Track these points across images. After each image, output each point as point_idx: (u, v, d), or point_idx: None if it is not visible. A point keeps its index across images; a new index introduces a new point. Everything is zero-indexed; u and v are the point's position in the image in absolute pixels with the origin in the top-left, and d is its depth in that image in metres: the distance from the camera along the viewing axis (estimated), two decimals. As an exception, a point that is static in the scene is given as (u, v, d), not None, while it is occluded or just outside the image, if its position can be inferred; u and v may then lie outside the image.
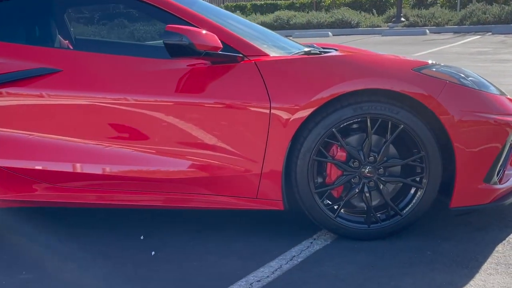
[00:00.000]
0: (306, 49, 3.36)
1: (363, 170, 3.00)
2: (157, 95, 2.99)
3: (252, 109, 2.96)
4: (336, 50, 3.80)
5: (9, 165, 3.06)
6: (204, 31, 2.92)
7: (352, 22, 21.04)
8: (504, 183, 3.17)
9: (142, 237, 3.16)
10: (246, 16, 23.94)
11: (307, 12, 23.31)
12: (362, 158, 2.99)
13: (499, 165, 3.05)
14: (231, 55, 3.00)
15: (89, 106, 3.01)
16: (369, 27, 20.86)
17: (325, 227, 3.07)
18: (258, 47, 3.12)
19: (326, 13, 22.43)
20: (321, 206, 3.02)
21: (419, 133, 2.94)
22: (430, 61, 3.14)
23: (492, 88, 3.23)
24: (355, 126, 3.03)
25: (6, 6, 3.31)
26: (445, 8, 21.41)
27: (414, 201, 3.02)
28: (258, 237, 3.13)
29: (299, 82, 2.96)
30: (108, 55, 3.11)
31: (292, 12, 23.07)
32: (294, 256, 2.90)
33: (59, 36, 3.52)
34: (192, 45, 2.84)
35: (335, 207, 3.04)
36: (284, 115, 2.93)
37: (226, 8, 26.00)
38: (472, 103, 2.98)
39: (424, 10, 21.04)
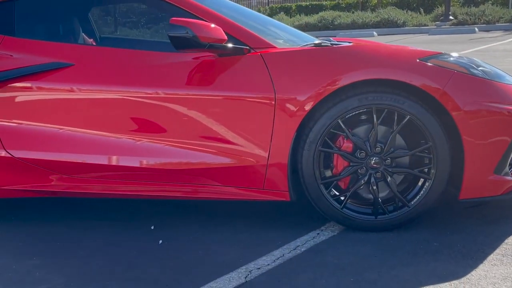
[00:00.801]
0: (317, 42, 3.36)
1: (369, 160, 2.99)
2: (163, 87, 3.06)
3: (258, 100, 2.99)
4: (349, 43, 3.79)
5: (25, 156, 3.17)
6: (208, 24, 2.96)
7: (398, 22, 20.79)
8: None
9: (152, 227, 3.22)
10: (291, 17, 23.97)
11: (352, 12, 23.14)
12: (369, 148, 2.98)
13: (511, 156, 2.99)
14: (237, 47, 3.04)
15: (98, 99, 3.10)
16: (416, 26, 20.57)
17: (332, 218, 3.07)
18: (265, 39, 3.14)
19: (372, 13, 22.22)
20: (327, 196, 3.02)
21: (426, 123, 2.91)
22: (440, 52, 3.11)
23: (508, 78, 3.17)
24: (362, 117, 3.02)
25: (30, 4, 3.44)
26: (496, 6, 20.92)
27: (422, 192, 2.99)
28: (265, 228, 3.16)
29: (304, 73, 2.98)
30: (117, 49, 3.20)
31: (337, 12, 22.96)
32: (298, 246, 2.91)
33: (83, 33, 3.63)
34: (196, 38, 2.89)
35: (342, 198, 3.04)
36: (289, 106, 2.95)
37: (271, 9, 26.12)
38: (481, 93, 2.93)
39: (474, 8, 20.61)
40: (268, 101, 2.97)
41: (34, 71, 3.11)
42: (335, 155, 3.03)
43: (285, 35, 3.67)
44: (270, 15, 24.83)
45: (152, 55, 3.13)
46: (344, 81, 2.91)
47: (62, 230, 3.25)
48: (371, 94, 2.92)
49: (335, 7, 25.08)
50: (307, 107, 2.94)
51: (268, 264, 2.71)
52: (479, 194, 2.99)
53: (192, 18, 3.08)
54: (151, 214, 3.46)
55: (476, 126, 2.89)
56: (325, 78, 2.93)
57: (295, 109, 2.95)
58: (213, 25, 2.97)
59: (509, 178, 3.01)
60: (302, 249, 2.87)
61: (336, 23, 22.03)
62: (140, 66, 3.12)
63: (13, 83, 3.16)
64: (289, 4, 27.01)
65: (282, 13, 25.03)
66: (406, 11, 21.99)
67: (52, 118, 3.14)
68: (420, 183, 3.03)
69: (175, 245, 2.98)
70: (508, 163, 3.00)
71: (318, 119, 2.96)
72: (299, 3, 26.87)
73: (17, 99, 3.19)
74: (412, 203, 3.00)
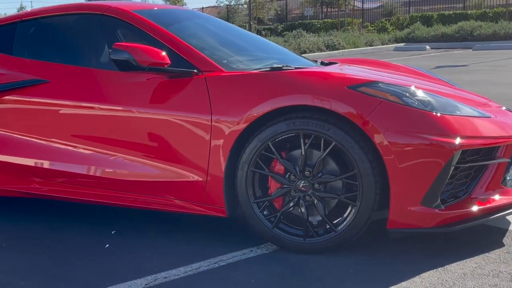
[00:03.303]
0: (275, 66, 3.48)
1: (298, 184, 3.07)
2: (118, 104, 3.38)
3: (197, 121, 3.20)
4: (335, 63, 3.96)
5: (7, 161, 3.65)
6: (149, 48, 3.22)
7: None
8: (468, 208, 3.02)
9: (113, 232, 3.54)
10: (427, 27, 23.29)
11: (496, 22, 21.96)
12: (298, 172, 3.06)
13: (441, 188, 2.92)
14: (183, 70, 3.28)
15: (64, 113, 3.49)
16: None
17: (264, 237, 3.19)
18: (214, 62, 3.34)
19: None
20: (259, 215, 3.15)
21: (351, 150, 2.94)
22: (376, 79, 3.11)
23: (457, 110, 3.07)
24: (296, 141, 3.10)
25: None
26: None
27: (348, 218, 3.02)
28: (204, 241, 3.34)
29: (239, 97, 3.14)
30: (87, 68, 3.56)
31: (477, 23, 21.91)
32: (221, 260, 3.07)
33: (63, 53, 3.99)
34: (135, 61, 3.17)
35: (272, 218, 3.14)
36: (223, 128, 3.13)
37: (411, 18, 25.50)
38: (408, 123, 2.90)
39: None
40: (206, 122, 3.17)
41: (14, 86, 3.58)
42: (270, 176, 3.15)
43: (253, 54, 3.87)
44: (409, 23, 24.31)
45: (115, 75, 3.44)
46: (273, 105, 3.03)
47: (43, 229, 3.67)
48: (298, 120, 3.01)
49: (481, 17, 23.94)
50: (240, 129, 3.09)
51: (177, 275, 2.91)
52: (407, 225, 2.95)
53: (152, 40, 3.37)
54: (119, 220, 3.77)
55: (400, 156, 2.87)
56: (256, 102, 3.06)
57: (228, 131, 3.11)
58: (153, 49, 3.22)
59: (440, 211, 2.93)
60: (221, 264, 3.03)
61: (475, 34, 21.08)
62: (104, 84, 3.46)
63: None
64: (430, 13, 26.19)
65: (417, 22, 24.31)
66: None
67: (25, 127, 3.59)
68: (348, 210, 3.05)
69: (113, 249, 3.26)
70: (438, 196, 2.93)
71: (251, 141, 3.10)
72: (441, 12, 25.96)
73: None
74: (339, 228, 3.04)
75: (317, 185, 3.05)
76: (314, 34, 23.72)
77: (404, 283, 2.74)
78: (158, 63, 3.21)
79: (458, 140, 2.89)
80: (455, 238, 3.24)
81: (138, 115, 3.33)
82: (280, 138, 3.06)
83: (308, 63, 4.05)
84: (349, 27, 27.12)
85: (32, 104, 3.61)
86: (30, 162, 3.63)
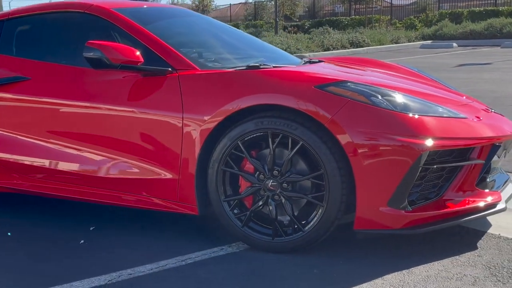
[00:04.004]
0: (252, 64, 3.48)
1: (267, 183, 3.07)
2: (95, 102, 3.42)
3: (169, 119, 3.22)
4: (318, 62, 3.98)
5: None
6: (121, 46, 3.26)
7: None
8: (438, 210, 2.99)
9: (91, 228, 3.59)
10: (456, 24, 22.95)
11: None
12: (266, 171, 3.06)
13: (409, 189, 2.89)
14: (157, 68, 3.30)
15: (45, 109, 3.55)
16: None
17: (234, 235, 3.20)
18: (189, 61, 3.35)
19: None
20: (229, 214, 3.16)
21: (317, 150, 2.93)
22: (346, 79, 3.09)
23: (430, 111, 3.03)
24: (265, 140, 3.10)
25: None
26: None
27: (315, 218, 3.01)
28: (182, 238, 3.37)
29: (208, 96, 3.15)
30: (67, 66, 3.61)
31: (507, 20, 21.51)
32: (189, 258, 3.09)
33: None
34: (106, 59, 3.20)
35: (243, 217, 3.15)
36: (194, 126, 3.15)
37: (440, 15, 25.14)
38: (375, 123, 2.87)
39: None
40: (177, 121, 3.19)
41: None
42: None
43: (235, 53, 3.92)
44: (438, 20, 23.97)
45: (93, 72, 3.46)
46: (241, 104, 3.03)
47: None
48: (266, 119, 3.01)
49: (513, 13, 23.51)
50: (210, 128, 3.11)
51: (143, 271, 2.94)
52: (373, 226, 2.93)
53: (130, 38, 3.41)
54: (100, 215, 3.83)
55: (365, 156, 2.85)
56: (225, 101, 3.07)
57: (199, 129, 3.13)
58: (125, 47, 3.25)
59: (407, 212, 2.91)
60: (188, 261, 3.05)
61: (504, 31, 20.71)
62: (82, 81, 3.51)
63: None
64: (460, 10, 25.79)
65: (445, 19, 23.92)
66: None
67: (6, 124, 3.67)
68: (316, 210, 3.04)
69: (88, 245, 3.32)
70: (405, 197, 2.90)
71: (221, 140, 3.11)
72: (472, 8, 25.54)
73: None
74: (306, 228, 3.03)
75: (285, 184, 3.05)
76: (339, 31, 23.58)
77: (364, 285, 2.72)
78: (130, 61, 3.24)
79: (425, 141, 2.86)
80: (429, 240, 3.20)
81: (114, 112, 3.37)
82: (249, 137, 3.06)
83: (293, 62, 4.04)
84: (377, 24, 26.86)
85: (13, 101, 3.68)
86: (11, 157, 3.70)
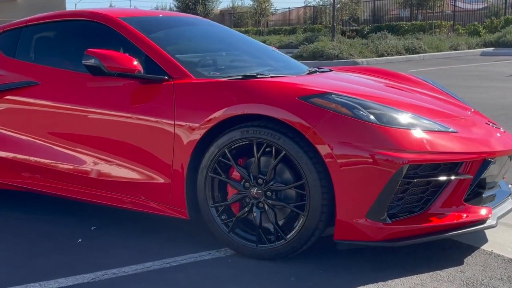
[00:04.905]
0: (249, 73, 3.54)
1: (252, 190, 3.14)
2: (97, 107, 3.56)
3: (162, 126, 3.33)
4: (328, 71, 4.03)
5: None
6: (118, 55, 3.38)
7: None
8: (420, 224, 2.98)
9: (93, 228, 3.74)
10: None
11: None
12: (251, 179, 3.13)
13: (387, 202, 2.89)
14: (154, 76, 3.42)
15: (50, 112, 3.73)
16: None
17: (221, 240, 3.27)
18: (185, 69, 3.45)
19: None
20: (217, 220, 3.24)
21: (299, 160, 2.97)
22: (331, 90, 3.12)
23: (416, 125, 3.01)
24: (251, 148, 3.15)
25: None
26: None
27: (297, 227, 3.05)
28: (176, 241, 3.47)
29: (199, 104, 3.25)
30: (74, 72, 3.77)
31: None
32: (175, 261, 3.18)
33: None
34: (104, 67, 3.34)
35: (229, 223, 3.22)
36: (184, 133, 3.25)
37: (506, 21, 24.37)
38: (356, 135, 2.90)
39: None
40: (169, 127, 3.30)
41: (11, 87, 3.87)
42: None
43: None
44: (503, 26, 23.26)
45: (96, 79, 3.61)
46: (228, 113, 3.11)
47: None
48: (252, 128, 3.07)
49: None
50: (199, 135, 3.20)
51: (126, 272, 3.05)
52: (353, 237, 2.95)
53: (132, 46, 3.55)
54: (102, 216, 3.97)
55: (345, 168, 2.88)
56: (213, 110, 3.16)
57: (190, 136, 3.23)
58: (123, 56, 3.38)
59: (385, 225, 2.91)
60: (173, 264, 3.15)
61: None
62: (84, 87, 3.67)
63: None
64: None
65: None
66: None
67: (16, 125, 3.88)
68: (298, 219, 3.08)
69: (85, 244, 3.46)
70: (384, 210, 2.90)
71: (209, 147, 3.20)
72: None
73: None
74: (288, 236, 3.07)
75: (269, 193, 3.10)
76: (398, 37, 23.24)
77: (336, 295, 2.74)
78: (126, 69, 3.37)
79: (406, 155, 2.86)
80: (415, 253, 3.19)
81: (113, 118, 3.51)
82: (235, 145, 3.13)
83: (299, 71, 4.07)
84: (437, 30, 26.32)
85: (23, 104, 3.88)
86: (11, 156, 3.93)
